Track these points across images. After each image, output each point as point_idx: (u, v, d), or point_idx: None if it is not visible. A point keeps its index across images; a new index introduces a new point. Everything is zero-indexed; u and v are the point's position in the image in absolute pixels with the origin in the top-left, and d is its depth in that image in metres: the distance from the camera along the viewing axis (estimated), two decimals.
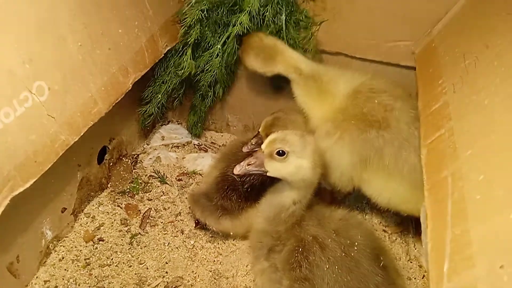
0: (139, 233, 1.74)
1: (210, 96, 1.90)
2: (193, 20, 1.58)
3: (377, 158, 1.46)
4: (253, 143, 1.59)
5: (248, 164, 1.33)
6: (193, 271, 1.62)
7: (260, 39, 1.57)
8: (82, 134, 1.37)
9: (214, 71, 1.70)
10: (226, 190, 1.61)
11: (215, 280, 1.60)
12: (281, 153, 1.29)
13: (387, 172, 1.47)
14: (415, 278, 1.61)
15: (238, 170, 1.34)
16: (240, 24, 1.58)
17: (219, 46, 1.66)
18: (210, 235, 1.73)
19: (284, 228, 1.41)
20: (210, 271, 1.62)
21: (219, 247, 1.71)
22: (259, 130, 1.63)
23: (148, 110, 1.86)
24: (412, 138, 1.41)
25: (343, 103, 1.51)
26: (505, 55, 1.11)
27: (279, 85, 1.87)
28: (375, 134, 1.44)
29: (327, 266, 1.31)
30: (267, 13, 1.60)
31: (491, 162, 0.97)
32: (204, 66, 1.71)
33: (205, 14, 1.60)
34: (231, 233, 1.68)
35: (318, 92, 1.55)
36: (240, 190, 1.61)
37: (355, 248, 1.37)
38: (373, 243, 1.43)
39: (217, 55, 1.67)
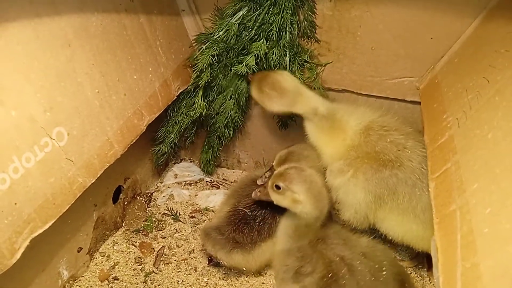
0: (153, 271, 1.75)
1: (225, 136, 1.96)
2: (204, 64, 1.66)
3: (391, 197, 1.48)
4: (267, 176, 1.67)
5: (259, 192, 1.52)
6: None
7: (283, 79, 1.56)
8: (98, 175, 1.42)
9: (228, 113, 1.76)
10: (237, 223, 1.64)
11: None
12: (278, 187, 1.42)
13: (400, 211, 1.49)
14: None
15: (253, 195, 1.58)
16: (246, 65, 1.65)
17: (232, 89, 1.73)
18: (224, 272, 1.74)
19: (308, 242, 1.46)
20: None
21: (232, 284, 1.71)
22: (273, 163, 1.69)
23: (161, 149, 1.92)
24: (424, 177, 1.43)
25: (355, 140, 1.53)
26: (505, 90, 1.15)
27: (287, 122, 1.93)
28: (389, 173, 1.46)
29: None
30: (273, 55, 1.67)
31: (497, 196, 0.99)
32: (219, 108, 1.78)
33: (215, 58, 1.68)
34: (244, 269, 1.68)
35: (330, 130, 1.56)
36: (252, 224, 1.64)
37: (384, 273, 1.39)
38: (398, 269, 1.47)
39: (231, 97, 1.74)
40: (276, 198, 1.45)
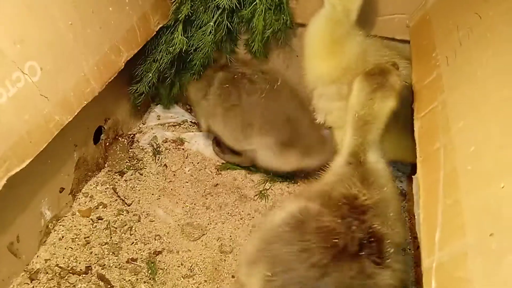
0: None
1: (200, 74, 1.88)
2: None
3: (393, 120, 1.46)
4: None
5: None
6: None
7: None
8: (76, 113, 1.37)
9: (206, 49, 1.68)
10: None
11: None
12: None
13: (401, 132, 1.51)
14: (409, 249, 1.63)
15: None
16: None
17: (211, 24, 1.64)
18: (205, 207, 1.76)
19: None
20: None
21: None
22: None
23: (139, 89, 1.83)
24: None
25: (352, 64, 1.51)
26: (498, 26, 1.11)
27: None
28: None
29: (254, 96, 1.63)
30: None
31: (482, 134, 0.98)
32: (198, 44, 1.70)
33: None
34: None
35: (338, 40, 1.51)
36: None
37: (278, 83, 1.68)
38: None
39: (210, 32, 1.65)
40: None
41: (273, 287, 1.05)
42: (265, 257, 1.12)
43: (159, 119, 2.16)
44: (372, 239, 1.08)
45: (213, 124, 1.85)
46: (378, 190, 1.17)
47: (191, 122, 2.15)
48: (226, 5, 1.58)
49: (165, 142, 2.04)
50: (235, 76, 1.77)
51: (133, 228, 1.69)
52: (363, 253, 1.06)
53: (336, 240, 1.05)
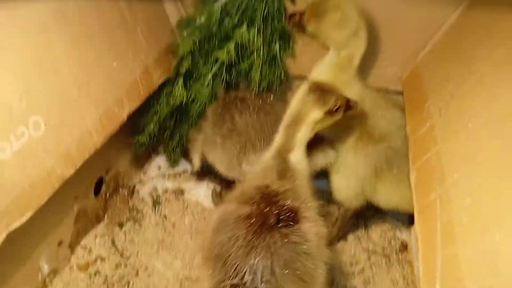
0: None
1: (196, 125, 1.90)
2: (186, 51, 1.62)
3: (387, 169, 1.54)
4: None
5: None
6: None
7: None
8: (78, 167, 1.39)
9: (203, 101, 1.73)
10: None
11: None
12: None
13: (395, 180, 1.55)
14: None
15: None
16: (227, 52, 1.62)
17: (210, 77, 1.69)
18: None
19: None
20: None
21: None
22: None
23: (140, 140, 1.86)
24: None
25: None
26: (487, 79, 1.15)
27: None
28: (386, 146, 1.52)
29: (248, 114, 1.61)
30: (260, 42, 1.65)
31: (477, 185, 1.00)
32: (195, 95, 1.75)
33: (197, 45, 1.65)
34: None
35: (341, 85, 1.49)
36: None
37: (271, 98, 1.68)
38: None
39: (208, 85, 1.71)
40: None
41: (217, 281, 1.12)
42: (206, 260, 1.20)
43: (159, 169, 2.17)
44: (288, 213, 1.16)
45: (213, 156, 1.75)
46: (291, 182, 1.26)
47: (191, 172, 2.16)
48: (225, 60, 1.64)
49: (165, 193, 2.04)
50: (227, 99, 1.69)
51: (131, 283, 1.67)
52: (281, 224, 1.14)
53: (254, 220, 1.14)
